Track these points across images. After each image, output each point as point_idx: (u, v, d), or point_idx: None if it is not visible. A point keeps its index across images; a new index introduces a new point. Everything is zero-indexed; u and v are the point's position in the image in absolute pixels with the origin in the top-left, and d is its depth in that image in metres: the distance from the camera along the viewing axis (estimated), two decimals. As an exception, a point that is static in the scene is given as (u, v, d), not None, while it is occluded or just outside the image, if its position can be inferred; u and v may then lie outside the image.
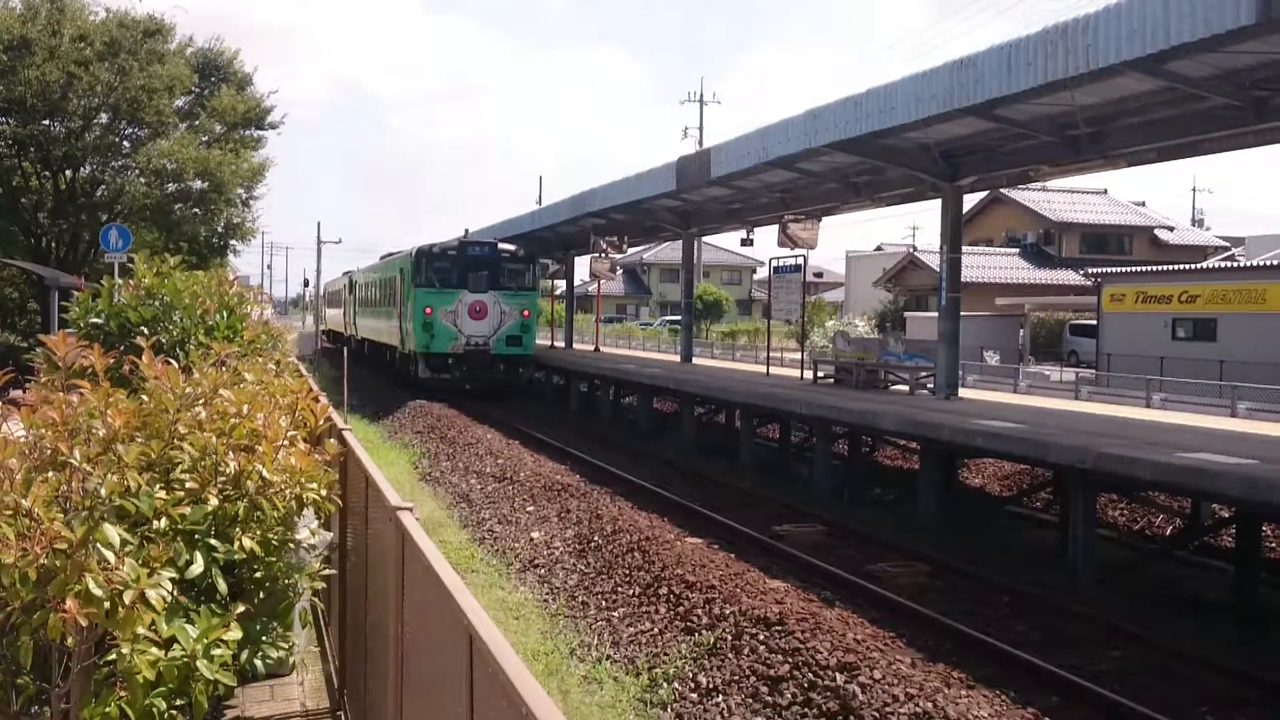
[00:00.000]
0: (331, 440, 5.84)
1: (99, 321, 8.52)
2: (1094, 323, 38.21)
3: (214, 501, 4.62)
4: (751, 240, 28.77)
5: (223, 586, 4.53)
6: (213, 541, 4.56)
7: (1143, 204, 61.14)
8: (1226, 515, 12.81)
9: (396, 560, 3.80)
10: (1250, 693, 8.29)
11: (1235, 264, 36.94)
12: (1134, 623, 10.08)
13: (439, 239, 31.06)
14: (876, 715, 7.34)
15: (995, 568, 12.19)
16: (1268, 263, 33.22)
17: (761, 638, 8.91)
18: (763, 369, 27.67)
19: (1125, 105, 14.26)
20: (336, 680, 6.49)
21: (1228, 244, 54.33)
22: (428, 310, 29.13)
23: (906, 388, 20.29)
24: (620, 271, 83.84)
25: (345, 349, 28.38)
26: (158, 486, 4.45)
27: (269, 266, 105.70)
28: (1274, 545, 13.57)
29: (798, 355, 28.65)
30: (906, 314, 48.68)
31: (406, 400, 28.16)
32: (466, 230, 32.29)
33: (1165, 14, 10.68)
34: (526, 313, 30.32)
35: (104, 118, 34.28)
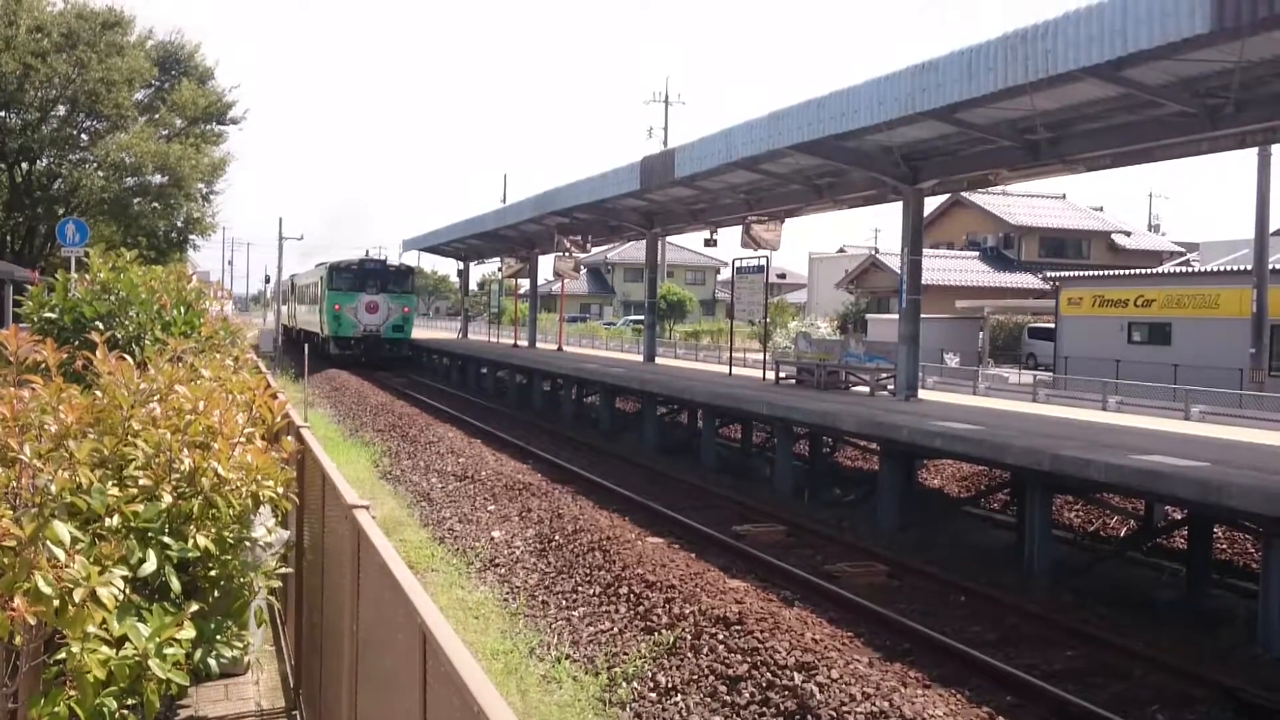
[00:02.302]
0: (289, 437, 5.80)
1: (53, 316, 8.40)
2: (1052, 326, 38.68)
3: (168, 498, 4.57)
4: (715, 241, 28.82)
5: (176, 585, 4.47)
6: (166, 539, 4.51)
7: (1101, 209, 61.92)
8: (1179, 517, 12.97)
9: (352, 558, 3.78)
10: (1200, 692, 8.41)
11: (1190, 269, 37.48)
12: (1088, 623, 10.20)
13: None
14: (834, 714, 7.38)
15: (953, 568, 12.29)
16: (1221, 268, 33.73)
17: (721, 637, 8.94)
18: (725, 369, 27.76)
19: (1083, 111, 14.44)
20: (292, 679, 6.44)
21: (1183, 249, 55.10)
22: (336, 307, 41.07)
23: (867, 389, 20.42)
24: (584, 271, 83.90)
25: (306, 347, 28.85)
26: (110, 483, 4.40)
27: (230, 262, 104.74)
28: (1225, 546, 13.77)
29: (760, 356, 28.76)
30: (868, 315, 49.02)
31: (325, 368, 38.04)
32: (367, 251, 45.14)
33: (1123, 21, 10.81)
34: (407, 309, 42.70)
35: (61, 110, 33.85)
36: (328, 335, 41.66)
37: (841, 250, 73.13)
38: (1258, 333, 27.28)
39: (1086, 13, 11.36)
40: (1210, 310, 30.89)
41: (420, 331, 66.15)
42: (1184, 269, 38.68)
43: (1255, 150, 26.78)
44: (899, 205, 19.31)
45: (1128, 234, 59.80)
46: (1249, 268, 28.58)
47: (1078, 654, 9.39)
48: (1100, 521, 15.68)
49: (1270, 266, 28.10)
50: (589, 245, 35.18)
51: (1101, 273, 41.97)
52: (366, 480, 17.40)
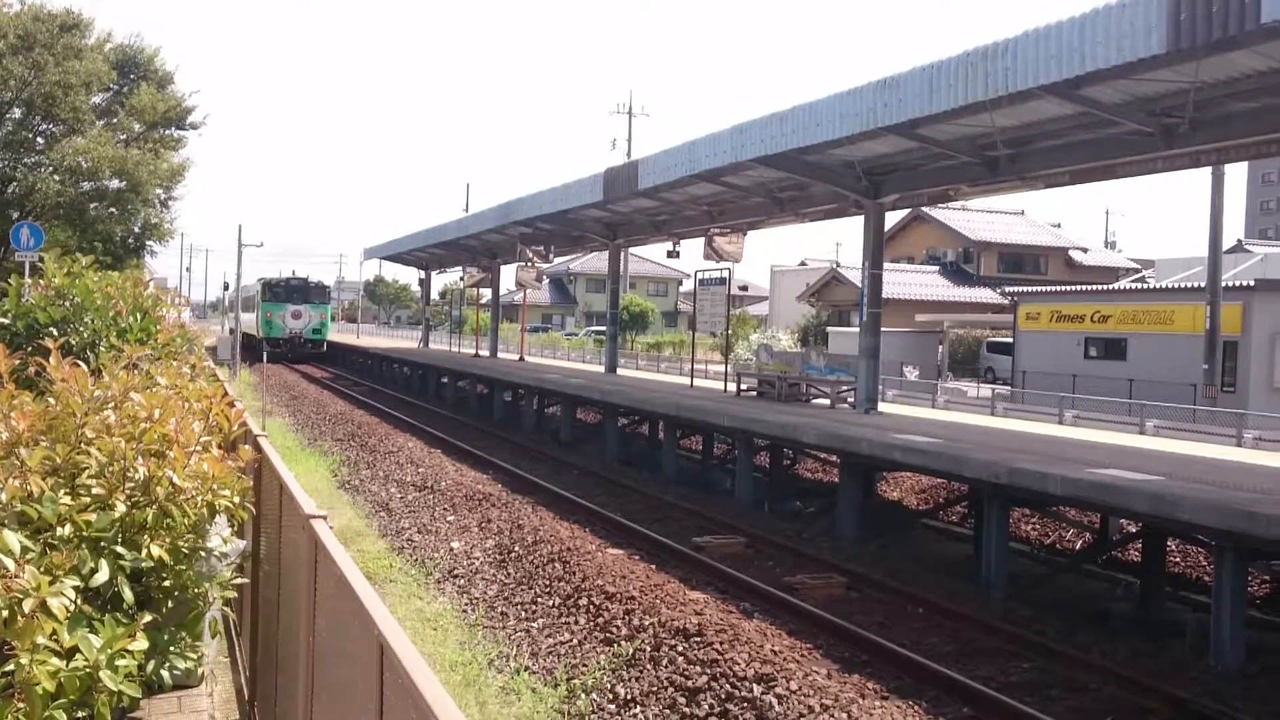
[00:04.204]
0: (246, 446, 5.74)
1: (5, 322, 8.27)
2: (1010, 340, 39.06)
3: (121, 508, 4.51)
4: (678, 253, 28.86)
5: (129, 595, 4.42)
6: (119, 549, 4.45)
7: (1059, 225, 62.71)
8: (1134, 530, 13.12)
9: (309, 569, 3.74)
10: (1154, 703, 8.50)
11: (1145, 286, 38.01)
12: (1044, 635, 10.28)
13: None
14: (792, 726, 7.39)
15: (911, 580, 12.36)
16: (1176, 285, 34.25)
17: (680, 649, 8.94)
18: (687, 381, 27.80)
19: (1042, 128, 14.62)
20: (247, 691, 6.36)
21: (1139, 266, 55.92)
22: (269, 314, 53.37)
23: (828, 401, 20.52)
24: (546, 281, 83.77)
25: (264, 354, 28.93)
26: (62, 492, 4.34)
27: (188, 269, 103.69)
28: (1178, 559, 13.94)
29: (722, 368, 28.83)
30: (829, 328, 49.29)
31: (256, 363, 41.95)
32: (294, 271, 56.64)
33: (1081, 40, 10.96)
34: (323, 316, 55.30)
35: (17, 113, 33.32)
36: (262, 336, 51.39)
37: (803, 263, 73.55)
38: (1211, 349, 27.71)
39: (1045, 31, 11.50)
40: (1165, 326, 31.35)
41: (380, 341, 65.87)
42: (1139, 285, 39.22)
43: (1209, 169, 27.23)
44: (860, 219, 19.45)
45: (1085, 250, 60.62)
46: (1203, 285, 29.04)
47: (1034, 666, 9.47)
48: (1056, 534, 15.84)
49: (1223, 284, 28.57)
50: (551, 256, 35.12)
51: (1059, 288, 42.48)
52: (325, 490, 17.25)
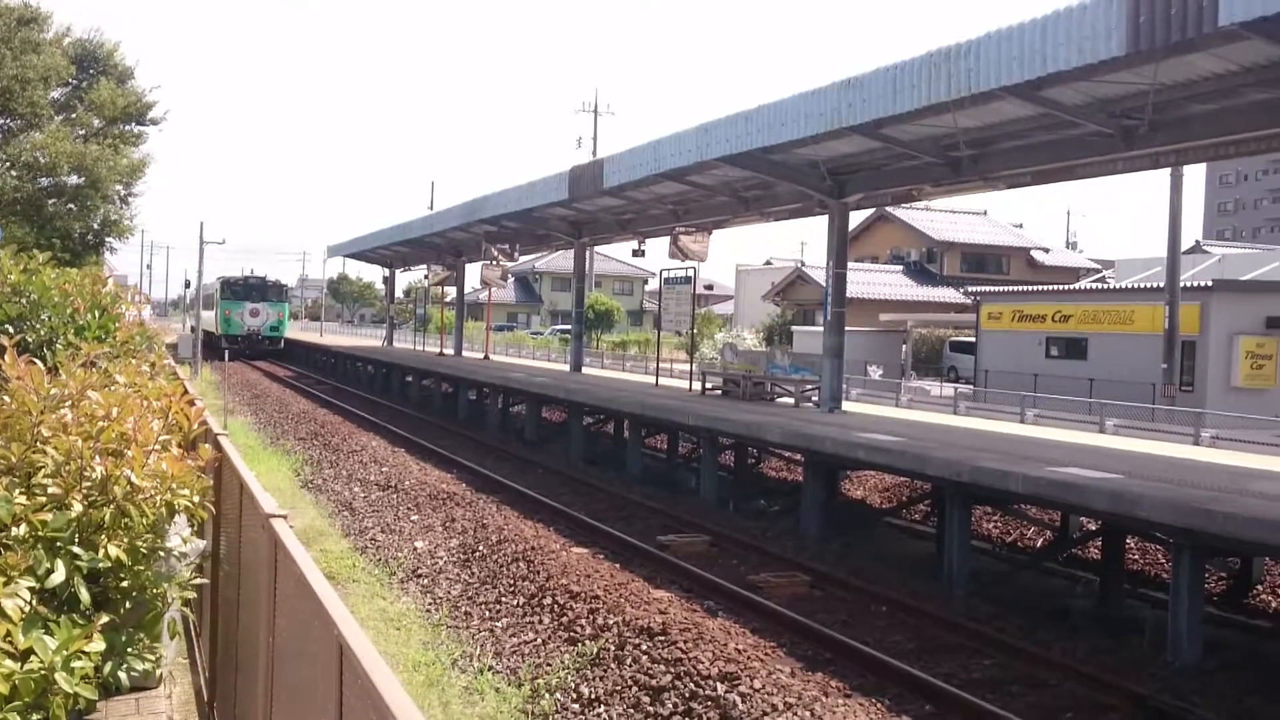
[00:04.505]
0: (206, 445, 5.68)
1: (-41, 319, 8.13)
2: (973, 339, 39.36)
3: (78, 507, 4.45)
4: (643, 251, 28.88)
5: (85, 596, 4.36)
6: (76, 549, 4.39)
7: (1020, 226, 63.31)
8: (1094, 528, 13.25)
9: (269, 569, 3.71)
10: (1113, 700, 8.58)
11: (1105, 286, 38.43)
12: (1005, 632, 10.36)
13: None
14: (756, 724, 7.41)
15: (874, 578, 12.42)
16: (1135, 285, 34.65)
17: (644, 648, 8.94)
18: (652, 379, 27.80)
19: (1004, 129, 14.74)
20: (206, 693, 6.30)
21: (1099, 266, 56.53)
22: (227, 312, 54.98)
23: (792, 400, 20.60)
24: (512, 279, 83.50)
25: (225, 353, 28.72)
26: (18, 491, 4.27)
27: (148, 266, 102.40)
28: (1137, 557, 14.10)
29: (687, 366, 28.86)
30: (794, 328, 49.48)
31: (215, 359, 39.23)
32: (252, 269, 58.87)
33: (1042, 42, 11.06)
34: (281, 314, 56.67)
35: (-27, 107, 32.84)
36: (220, 333, 52.74)
37: (768, 263, 73.82)
38: (1170, 348, 28.05)
39: (1007, 33, 11.59)
40: (1125, 326, 31.71)
41: (344, 339, 65.46)
42: (1100, 286, 39.68)
43: (1169, 171, 27.56)
44: (825, 219, 19.54)
45: (1046, 250, 61.20)
46: (1162, 285, 29.38)
47: (995, 663, 9.54)
48: (1018, 532, 15.97)
49: (1182, 284, 28.92)
50: (517, 254, 35.04)
51: (1021, 288, 42.85)
52: (287, 489, 17.11)
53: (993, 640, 10.06)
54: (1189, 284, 30.25)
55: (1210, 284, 31.37)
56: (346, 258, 59.65)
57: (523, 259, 53.16)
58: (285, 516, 3.81)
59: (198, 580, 5.50)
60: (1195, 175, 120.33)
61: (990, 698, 8.40)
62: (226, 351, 34.95)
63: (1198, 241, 55.27)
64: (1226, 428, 21.69)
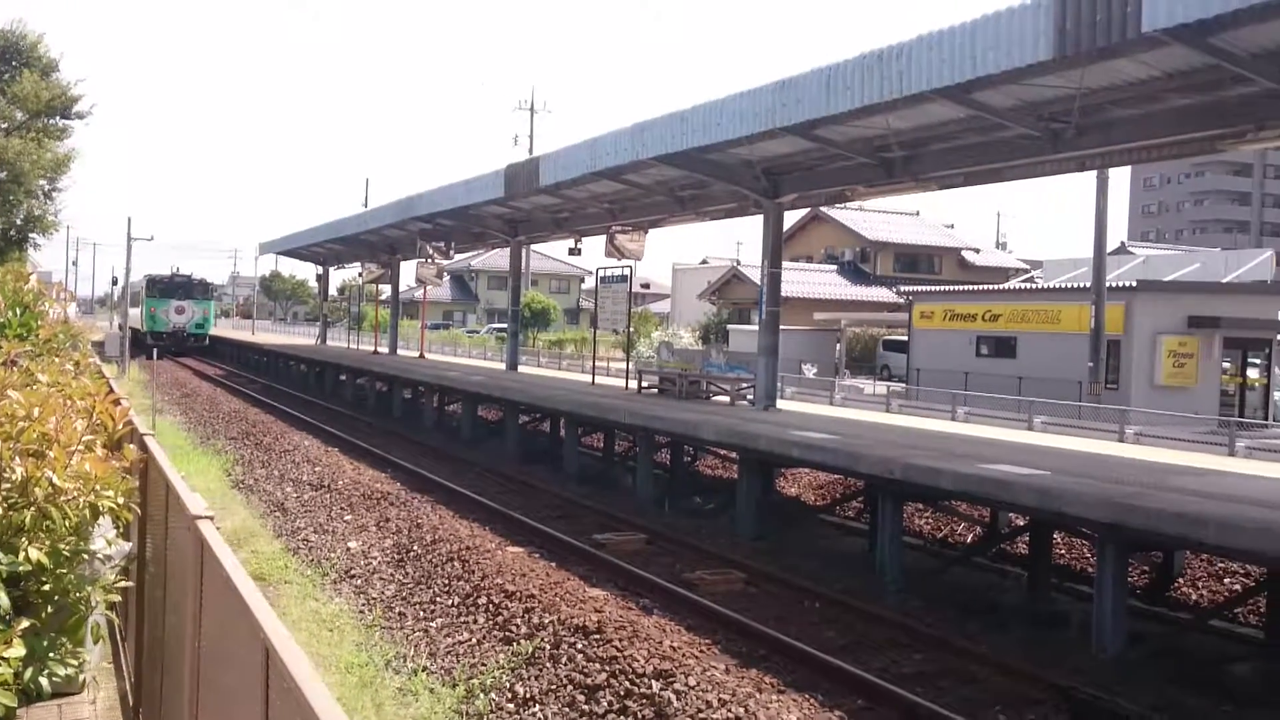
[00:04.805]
0: (132, 445, 5.57)
1: (-127, 316, 7.91)
2: (905, 338, 39.84)
3: (-3, 510, 4.34)
4: (579, 250, 28.85)
5: (5, 600, 4.26)
6: (-5, 553, 4.29)
7: (952, 226, 64.24)
8: (1022, 523, 13.48)
9: (195, 571, 3.65)
10: (1039, 692, 8.75)
11: (1034, 286, 39.11)
12: (936, 627, 10.52)
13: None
14: (690, 721, 7.44)
15: (808, 575, 12.54)
16: (1062, 285, 35.31)
17: (580, 646, 8.93)
18: (589, 378, 27.79)
19: (935, 131, 14.94)
20: (132, 698, 6.18)
21: (1028, 266, 57.49)
22: (153, 309, 55.79)
23: (728, 398, 20.70)
24: (447, 278, 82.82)
25: (154, 351, 28.27)
26: (-67, 494, 4.16)
27: (74, 263, 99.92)
28: (1063, 551, 14.37)
29: (624, 365, 28.87)
30: (730, 326, 49.71)
31: (140, 355, 40.53)
32: (176, 267, 59.24)
33: (972, 46, 11.22)
34: (206, 311, 58.17)
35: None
36: (146, 330, 53.87)
37: (704, 262, 74.10)
38: (1095, 347, 28.63)
39: (938, 36, 11.74)
40: (1052, 325, 32.29)
41: (277, 337, 64.54)
42: (1028, 286, 40.34)
43: (1095, 173, 28.13)
44: (760, 218, 19.66)
45: (977, 251, 62.17)
46: (1088, 285, 29.97)
47: (926, 657, 9.68)
48: (949, 528, 16.20)
49: (1107, 284, 29.53)
50: (452, 252, 34.79)
51: (952, 288, 43.46)
52: (218, 490, 16.84)
53: (923, 635, 10.20)
54: (1114, 284, 30.88)
55: (1134, 284, 32.06)
56: (279, 255, 58.86)
57: (458, 257, 52.86)
58: (211, 518, 3.75)
59: (123, 583, 5.41)
60: (1121, 178, 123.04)
61: (921, 692, 8.52)
62: (154, 349, 34.42)
63: (1123, 243, 56.45)
64: (1149, 424, 22.18)
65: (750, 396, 20.14)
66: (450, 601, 10.79)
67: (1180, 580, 13.10)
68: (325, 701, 1.99)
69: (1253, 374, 31.89)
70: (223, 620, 3.20)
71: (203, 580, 3.55)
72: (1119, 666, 9.45)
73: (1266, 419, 30.33)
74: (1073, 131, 13.16)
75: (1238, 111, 11.70)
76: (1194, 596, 12.87)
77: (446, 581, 11.39)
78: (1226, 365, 31.41)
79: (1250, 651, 10.64)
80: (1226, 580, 12.97)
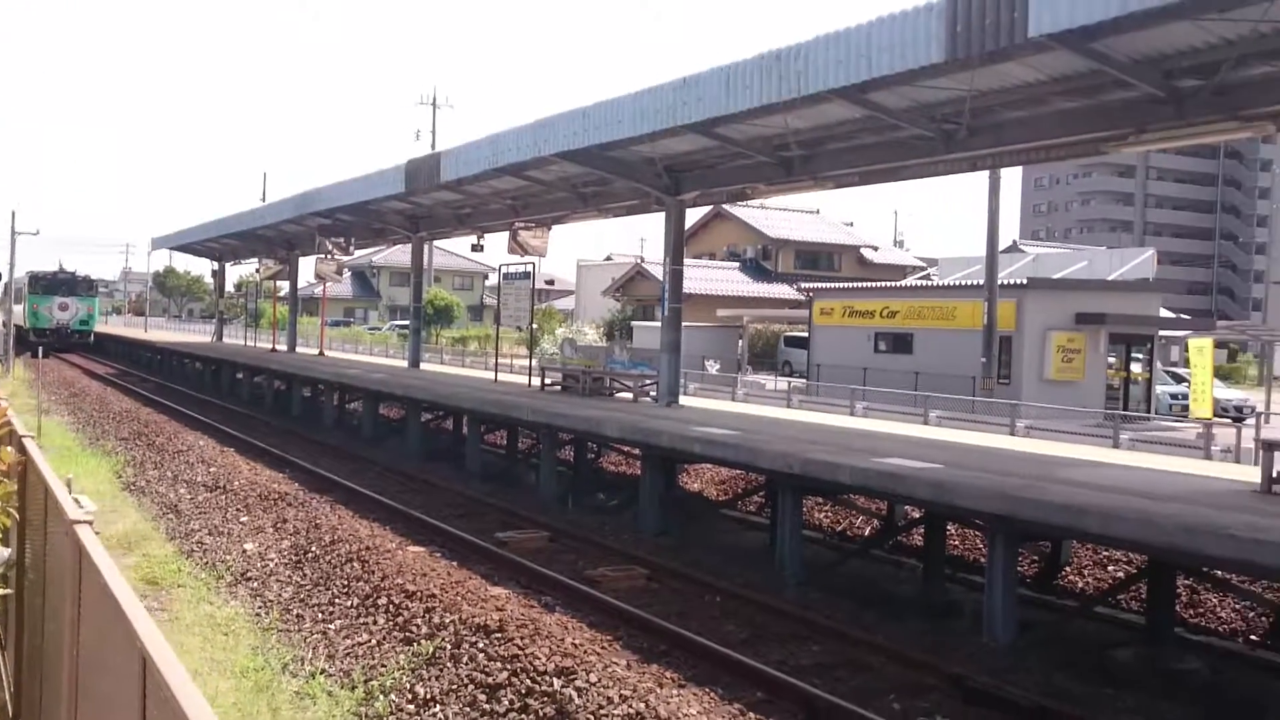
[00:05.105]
0: (9, 448, 5.39)
1: None
2: (806, 335, 40.38)
3: None
4: (482, 246, 28.65)
5: None
6: None
7: (851, 224, 65.32)
8: (917, 516, 13.77)
9: (73, 578, 3.54)
10: (932, 680, 8.96)
11: (930, 283, 39.95)
12: (834, 618, 10.69)
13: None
14: (592, 718, 7.45)
15: (710, 569, 12.64)
16: (957, 282, 36.14)
17: (481, 645, 8.88)
18: (492, 375, 27.62)
19: (833, 131, 15.17)
20: (11, 708, 5.98)
21: (925, 264, 58.70)
22: (36, 306, 55.35)
23: (631, 395, 20.76)
24: (348, 274, 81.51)
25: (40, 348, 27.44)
26: None
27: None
28: (957, 543, 14.72)
29: (528, 362, 28.76)
30: (634, 323, 49.85)
31: (26, 353, 40.77)
32: (61, 264, 57.93)
33: (868, 47, 11.43)
34: (90, 308, 58.12)
35: None
36: (29, 327, 53.64)
37: (609, 258, 74.14)
38: (988, 343, 29.38)
39: (835, 37, 11.93)
40: (947, 322, 33.01)
41: (171, 335, 62.91)
42: (924, 283, 41.19)
43: (987, 173, 28.84)
44: (663, 215, 19.75)
45: (875, 249, 63.34)
46: (981, 282, 30.72)
47: (824, 649, 9.83)
48: (848, 522, 16.49)
49: (1000, 281, 30.32)
50: (352, 248, 34.31)
51: (851, 285, 44.18)
52: (108, 492, 16.36)
53: (822, 627, 10.37)
54: (1006, 282, 31.70)
55: (1025, 282, 32.94)
56: (173, 250, 57.60)
57: (359, 253, 52.18)
58: (90, 522, 3.64)
59: (1, 591, 5.22)
60: (1013, 178, 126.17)
61: (818, 683, 8.66)
62: (39, 347, 33.28)
63: (1015, 241, 58.06)
64: (1040, 418, 22.85)
65: (653, 393, 20.23)
66: (350, 603, 10.64)
67: (1068, 569, 13.51)
68: (202, 711, 1.95)
69: (1136, 368, 33.04)
70: (101, 628, 3.12)
71: (81, 587, 3.45)
72: (1009, 654, 9.72)
73: (1149, 412, 31.46)
74: (964, 132, 13.47)
75: (1119, 115, 12.10)
76: (1080, 584, 13.30)
77: (346, 582, 11.23)
78: (1112, 360, 32.48)
79: (1132, 636, 11.01)
80: (1110, 568, 13.42)
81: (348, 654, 9.33)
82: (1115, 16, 9.08)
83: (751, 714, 7.90)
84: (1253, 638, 11.50)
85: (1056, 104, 12.66)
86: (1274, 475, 10.50)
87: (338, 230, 32.05)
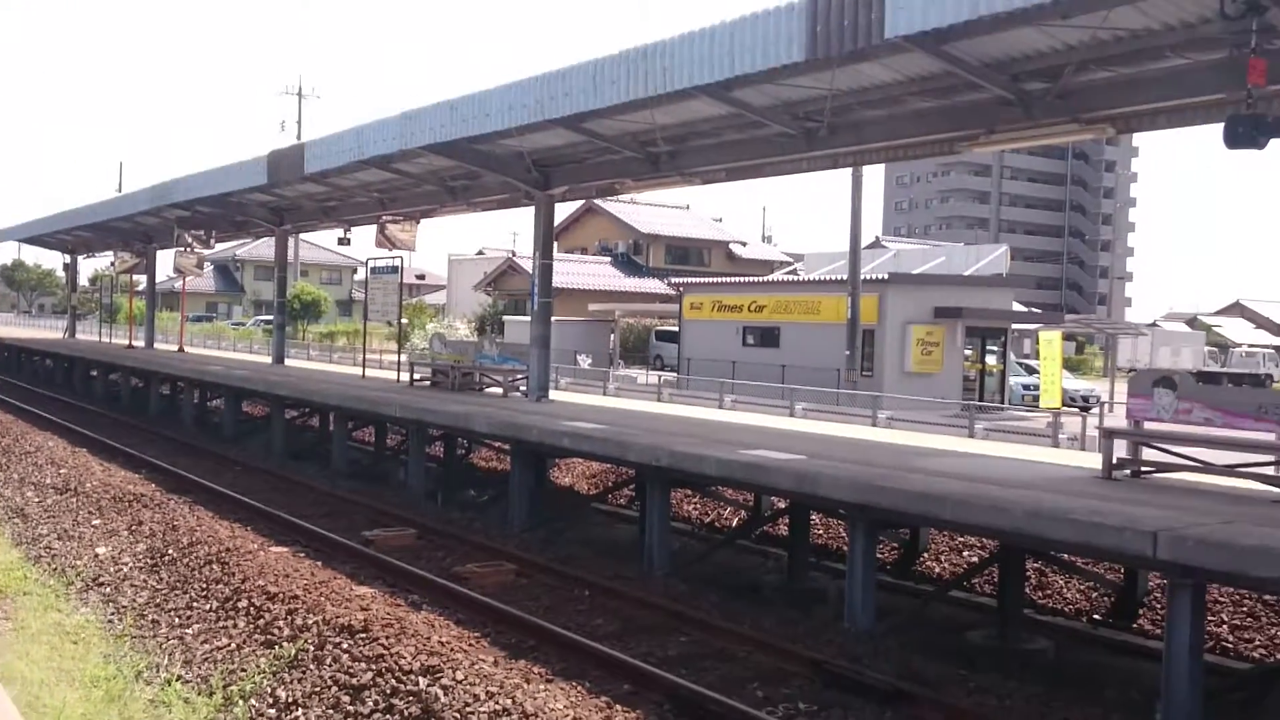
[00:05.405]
0: None
1: None
2: (676, 329, 40.77)
3: None
4: (349, 240, 28.14)
5: None
6: None
7: (720, 220, 66.18)
8: (783, 506, 14.04)
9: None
10: (795, 668, 9.15)
11: (796, 278, 40.76)
12: (701, 609, 10.82)
13: None
14: (458, 716, 7.41)
15: (580, 564, 12.68)
16: (821, 277, 36.97)
17: (345, 646, 8.75)
18: (360, 371, 27.17)
19: (699, 127, 15.34)
20: None
21: (791, 259, 59.83)
22: None
23: (501, 390, 20.66)
24: (211, 268, 79.15)
25: None
26: None
27: None
28: (821, 532, 15.08)
29: (398, 358, 28.38)
30: (505, 317, 49.61)
31: None
32: None
33: (731, 45, 11.58)
34: None
35: None
36: None
37: (481, 253, 73.56)
38: (852, 336, 30.16)
39: (700, 34, 12.06)
40: (813, 316, 33.72)
41: (19, 331, 60.21)
42: (791, 278, 42.00)
43: (849, 171, 29.56)
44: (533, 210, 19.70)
45: (744, 244, 64.32)
46: (845, 278, 31.49)
47: (690, 640, 9.96)
48: (716, 513, 16.73)
49: (863, 277, 31.11)
50: (213, 241, 33.34)
51: (720, 279, 44.75)
52: (-54, 497, 15.58)
53: (689, 618, 10.49)
54: (868, 277, 32.53)
55: (886, 277, 33.87)
56: (21, 243, 54.88)
57: (221, 246, 50.71)
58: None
59: None
60: (876, 176, 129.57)
61: (684, 673, 8.76)
62: None
63: (877, 237, 59.57)
64: (900, 409, 23.54)
65: (524, 388, 20.17)
66: (208, 606, 10.36)
67: (926, 555, 13.97)
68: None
69: (991, 360, 34.33)
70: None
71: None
72: (869, 639, 9.98)
73: (1003, 402, 32.73)
74: (826, 131, 13.77)
75: (971, 115, 12.52)
76: (938, 570, 13.77)
77: (204, 585, 10.92)
78: (968, 353, 33.67)
79: (985, 618, 11.46)
80: (966, 553, 13.93)
81: (206, 659, 9.09)
82: (966, 20, 9.38)
83: (618, 706, 7.96)
84: (1095, 617, 12.09)
85: (913, 104, 13.04)
86: (1114, 461, 11.03)
87: (198, 223, 31.09)
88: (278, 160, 22.47)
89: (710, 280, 43.02)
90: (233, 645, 9.32)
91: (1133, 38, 10.28)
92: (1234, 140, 8.85)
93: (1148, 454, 10.99)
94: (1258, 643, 11.20)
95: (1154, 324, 62.77)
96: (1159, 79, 10.84)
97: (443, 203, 22.81)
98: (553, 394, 20.86)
